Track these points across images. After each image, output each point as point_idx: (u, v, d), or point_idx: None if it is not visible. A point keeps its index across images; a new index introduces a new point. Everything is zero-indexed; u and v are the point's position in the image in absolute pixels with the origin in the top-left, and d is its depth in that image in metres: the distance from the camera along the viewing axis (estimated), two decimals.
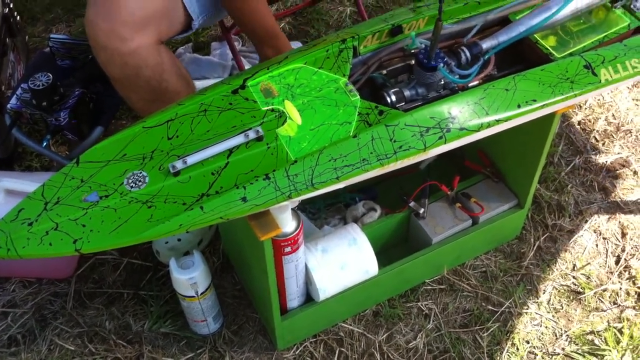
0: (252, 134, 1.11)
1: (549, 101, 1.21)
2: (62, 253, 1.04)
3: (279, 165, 1.10)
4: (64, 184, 1.09)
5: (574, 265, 1.63)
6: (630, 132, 1.91)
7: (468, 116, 1.18)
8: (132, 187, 1.08)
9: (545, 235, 1.68)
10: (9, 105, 1.58)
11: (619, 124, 1.93)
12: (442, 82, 1.25)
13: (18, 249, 1.03)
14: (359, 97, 1.17)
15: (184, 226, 1.05)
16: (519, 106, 1.20)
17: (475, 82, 1.27)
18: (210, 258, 1.64)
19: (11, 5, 1.94)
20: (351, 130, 1.14)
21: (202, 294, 1.39)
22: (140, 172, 1.09)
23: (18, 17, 2.00)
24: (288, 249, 1.25)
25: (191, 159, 1.08)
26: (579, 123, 1.94)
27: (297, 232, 1.24)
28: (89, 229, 1.04)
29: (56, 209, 1.06)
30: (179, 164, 1.08)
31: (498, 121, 1.19)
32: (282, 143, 1.12)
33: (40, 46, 2.15)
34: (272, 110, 1.15)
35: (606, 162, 1.84)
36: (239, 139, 1.11)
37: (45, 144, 1.60)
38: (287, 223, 1.22)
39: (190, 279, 1.36)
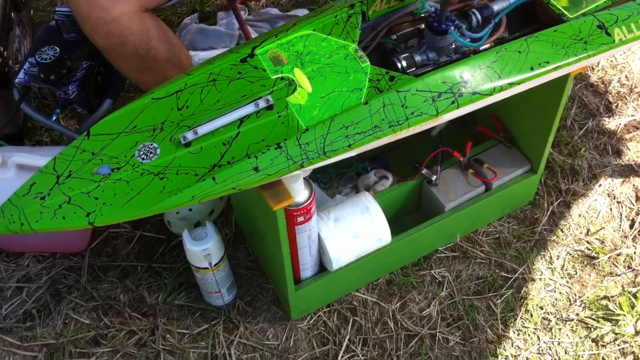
0: (262, 103, 1.10)
1: (563, 62, 1.19)
2: (76, 226, 1.04)
3: (291, 134, 1.09)
4: (76, 157, 1.08)
5: (588, 230, 1.62)
6: None
7: (480, 80, 1.16)
8: (143, 159, 1.07)
9: (559, 200, 1.67)
10: (17, 80, 1.57)
11: (632, 85, 1.90)
12: (454, 46, 1.23)
13: (32, 223, 1.03)
14: (369, 63, 1.15)
15: (197, 197, 1.05)
16: (532, 68, 1.18)
17: (487, 45, 1.25)
18: (223, 229, 1.64)
19: None
20: (362, 97, 1.13)
21: (215, 265, 1.39)
22: (151, 144, 1.09)
23: None
24: (301, 219, 1.25)
25: (202, 130, 1.08)
26: (592, 85, 1.91)
27: (309, 201, 1.23)
28: (102, 201, 1.04)
29: (68, 182, 1.06)
30: (189, 135, 1.07)
31: (511, 84, 1.17)
32: (292, 111, 1.11)
33: (45, 20, 2.14)
34: (282, 78, 1.14)
35: (620, 124, 1.82)
36: (249, 108, 1.10)
37: (54, 117, 1.59)
38: (300, 192, 1.22)
39: (203, 250, 1.36)
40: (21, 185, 1.06)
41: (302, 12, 2.14)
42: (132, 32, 1.36)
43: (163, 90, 1.14)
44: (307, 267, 1.40)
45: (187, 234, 1.37)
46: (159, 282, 1.57)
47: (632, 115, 1.83)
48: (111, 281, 1.58)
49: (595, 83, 1.92)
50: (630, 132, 1.80)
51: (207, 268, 1.39)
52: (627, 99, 1.87)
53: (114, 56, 1.41)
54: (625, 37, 1.25)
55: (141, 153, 1.08)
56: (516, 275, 1.54)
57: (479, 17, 1.25)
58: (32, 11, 2.10)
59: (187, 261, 1.43)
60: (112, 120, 1.12)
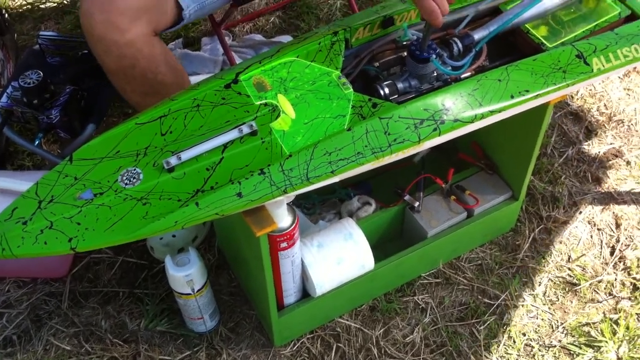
0: (246, 129, 1.10)
1: (542, 91, 1.21)
2: (58, 252, 1.04)
3: (274, 160, 1.09)
4: (58, 182, 1.08)
5: (569, 257, 1.63)
6: (622, 122, 1.91)
7: (462, 107, 1.18)
8: (126, 184, 1.07)
9: (540, 227, 1.68)
10: None
11: (610, 114, 1.93)
12: (435, 74, 1.25)
13: (13, 248, 1.02)
14: (352, 90, 1.17)
15: (180, 223, 1.05)
16: (512, 97, 1.20)
17: (468, 74, 1.27)
18: (206, 255, 1.64)
19: None
20: (345, 124, 1.14)
21: (198, 291, 1.39)
22: (135, 169, 1.09)
23: (6, 15, 1.99)
24: (284, 245, 1.25)
25: (185, 155, 1.08)
26: (571, 114, 1.94)
27: (293, 227, 1.23)
28: (84, 227, 1.03)
29: (50, 207, 1.05)
30: (173, 160, 1.07)
31: (492, 112, 1.19)
32: (276, 137, 1.11)
33: (29, 44, 2.14)
34: (266, 104, 1.15)
35: (599, 152, 1.84)
36: (233, 134, 1.10)
37: (37, 142, 1.59)
38: (283, 218, 1.22)
39: (186, 276, 1.35)
40: (3, 210, 1.06)
41: (285, 38, 2.16)
42: (144, 55, 1.36)
43: (147, 115, 1.14)
44: (291, 293, 1.39)
45: (169, 259, 1.36)
46: (140, 308, 1.55)
47: (611, 143, 1.86)
48: (92, 307, 1.57)
49: (574, 111, 1.94)
50: (610, 160, 1.82)
51: (189, 294, 1.39)
52: (606, 127, 1.90)
53: (121, 79, 1.42)
54: (603, 66, 1.27)
55: (124, 178, 1.08)
56: (499, 301, 1.55)
57: (460, 45, 1.26)
58: (15, 35, 2.10)
59: (169, 287, 1.42)
60: (95, 145, 1.12)
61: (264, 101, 1.15)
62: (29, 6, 2.31)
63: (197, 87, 1.17)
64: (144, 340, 1.50)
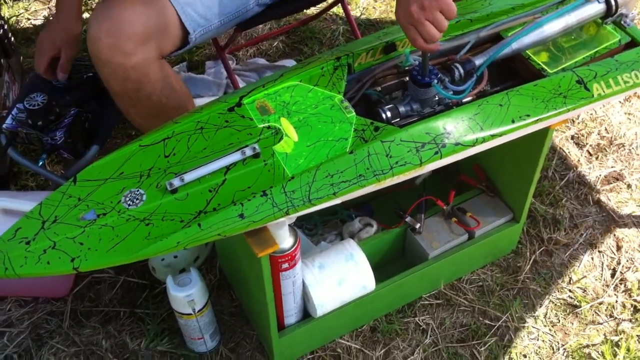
0: (248, 151, 1.12)
1: (543, 116, 1.23)
2: (60, 271, 1.04)
3: (276, 182, 1.10)
4: (62, 203, 1.09)
5: (570, 279, 1.64)
6: (623, 145, 1.92)
7: (463, 131, 1.19)
8: (129, 205, 1.08)
9: (541, 249, 1.69)
10: (4, 125, 1.58)
11: (611, 137, 1.94)
12: (437, 98, 1.26)
13: (16, 268, 1.03)
14: (354, 113, 1.18)
15: (182, 244, 1.05)
16: (513, 121, 1.21)
17: (469, 98, 1.28)
18: (207, 275, 1.64)
19: (5, 27, 1.95)
20: (347, 147, 1.15)
21: (199, 311, 1.39)
22: (138, 190, 1.10)
23: (12, 38, 2.01)
24: (285, 265, 1.26)
25: (188, 177, 1.09)
26: (573, 137, 1.95)
27: (294, 248, 1.24)
28: (87, 247, 1.04)
29: (54, 227, 1.06)
30: (176, 182, 1.08)
31: (493, 136, 1.20)
32: (278, 160, 1.12)
33: (34, 70, 2.15)
34: (269, 127, 1.16)
35: (600, 175, 1.85)
36: (235, 156, 1.11)
37: (41, 163, 1.59)
38: (285, 239, 1.23)
39: (187, 296, 1.36)
40: (6, 230, 1.07)
41: (289, 62, 2.18)
42: (149, 79, 1.38)
43: (151, 137, 1.15)
44: (291, 314, 1.40)
45: (170, 279, 1.37)
46: (141, 327, 1.56)
47: (612, 167, 1.87)
48: (93, 326, 1.57)
49: (575, 135, 1.96)
50: (611, 183, 1.83)
51: (190, 314, 1.39)
52: (607, 151, 1.91)
53: (126, 101, 1.43)
54: (603, 92, 1.28)
55: (127, 199, 1.09)
56: (499, 323, 1.55)
57: (462, 70, 1.28)
58: (21, 57, 2.12)
59: (170, 307, 1.42)
60: (99, 166, 1.13)
61: (267, 124, 1.16)
62: (35, 29, 2.33)
63: (201, 110, 1.18)
64: None
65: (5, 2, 2.38)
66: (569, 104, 1.25)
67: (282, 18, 2.26)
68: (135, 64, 1.35)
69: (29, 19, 2.38)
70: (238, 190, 1.10)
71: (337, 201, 1.15)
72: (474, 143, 1.19)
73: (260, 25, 2.31)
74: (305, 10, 2.32)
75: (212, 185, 1.10)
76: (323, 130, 1.16)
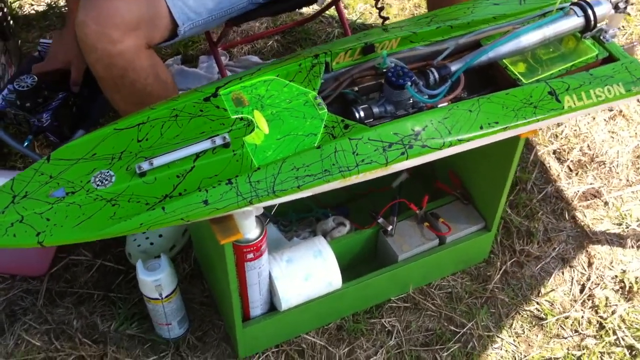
0: (219, 140, 1.14)
1: (512, 124, 1.24)
2: (25, 245, 1.06)
3: (243, 172, 1.12)
4: (33, 179, 1.11)
5: (539, 291, 1.65)
6: (604, 163, 1.94)
7: (431, 134, 1.21)
8: (98, 185, 1.10)
9: (513, 260, 1.70)
10: None
11: (593, 154, 1.96)
12: (411, 101, 1.27)
13: None
14: (326, 110, 1.20)
15: (145, 225, 1.07)
16: (481, 127, 1.23)
17: (445, 104, 1.30)
18: (182, 264, 1.66)
19: (5, 10, 1.98)
20: (316, 142, 1.17)
21: (166, 297, 1.41)
22: (108, 172, 1.12)
23: (12, 22, 2.04)
24: (250, 255, 1.28)
25: (157, 161, 1.11)
26: (554, 152, 1.96)
27: (260, 239, 1.26)
28: (53, 223, 1.06)
29: (23, 202, 1.08)
30: (145, 165, 1.10)
31: (460, 141, 1.22)
32: (247, 151, 1.15)
33: (34, 51, 2.19)
34: (241, 119, 1.18)
35: (578, 191, 1.86)
36: (205, 144, 1.14)
37: (26, 144, 1.62)
38: (251, 230, 1.25)
39: (155, 281, 1.38)
40: None
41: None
42: (134, 67, 1.41)
43: (126, 121, 1.18)
44: (257, 305, 1.42)
45: (140, 263, 1.39)
46: (113, 311, 1.58)
47: (591, 184, 1.88)
48: (67, 306, 1.59)
49: (557, 150, 1.97)
50: (588, 200, 1.85)
51: (157, 299, 1.41)
52: (587, 168, 1.93)
53: (111, 87, 1.46)
54: (574, 104, 1.30)
55: (97, 179, 1.11)
56: (464, 330, 1.56)
57: (437, 75, 1.29)
58: (19, 42, 2.15)
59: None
60: (73, 146, 1.15)
61: (240, 115, 1.18)
62: (37, 15, 2.37)
63: (177, 99, 1.20)
64: (113, 342, 1.53)
65: None
66: (538, 114, 1.26)
67: (273, 16, 2.29)
68: (121, 51, 1.37)
69: (31, 5, 2.41)
70: (205, 178, 1.12)
71: (302, 194, 1.16)
72: (441, 146, 1.21)
73: (257, 24, 2.34)
74: (301, 11, 2.36)
75: (181, 171, 1.12)
76: (294, 124, 1.19)
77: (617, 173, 1.91)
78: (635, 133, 2.03)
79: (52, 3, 2.40)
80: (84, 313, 1.58)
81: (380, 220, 1.56)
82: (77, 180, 1.11)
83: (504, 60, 1.36)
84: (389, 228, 1.55)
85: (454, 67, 1.31)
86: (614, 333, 1.57)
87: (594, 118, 2.05)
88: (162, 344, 1.53)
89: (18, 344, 1.52)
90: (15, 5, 2.38)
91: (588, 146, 1.98)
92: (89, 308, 1.59)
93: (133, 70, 1.41)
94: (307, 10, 2.35)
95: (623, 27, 2.36)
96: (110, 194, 1.10)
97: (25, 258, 1.64)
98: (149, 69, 1.45)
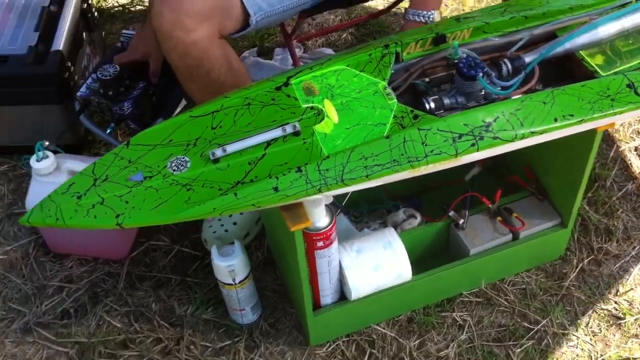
0: (289, 129, 1.16)
1: (587, 117, 1.22)
2: (105, 226, 1.12)
3: (312, 160, 1.15)
4: (113, 164, 1.17)
5: (617, 290, 1.60)
6: None
7: (502, 126, 1.19)
8: (174, 170, 1.15)
9: (590, 258, 1.66)
10: (78, 93, 1.70)
11: None
12: (483, 93, 1.26)
13: (66, 219, 1.11)
14: (395, 100, 1.21)
15: (217, 210, 1.11)
16: (555, 120, 1.21)
17: (518, 96, 1.28)
18: (255, 253, 1.70)
19: (90, 2, 2.07)
20: (385, 131, 1.18)
21: (240, 282, 1.45)
22: (184, 157, 1.16)
23: (96, 14, 2.13)
24: (320, 244, 1.30)
25: (230, 148, 1.15)
26: (636, 149, 1.90)
27: (329, 227, 1.28)
28: (132, 205, 1.12)
29: (104, 185, 1.14)
30: (219, 152, 1.14)
31: (533, 133, 1.20)
32: (317, 139, 1.17)
33: (117, 42, 2.28)
34: (312, 108, 1.20)
35: None
36: (276, 132, 1.16)
37: (109, 131, 1.70)
38: (321, 218, 1.27)
39: (229, 266, 1.42)
40: (61, 184, 1.15)
41: (328, 51, 2.21)
42: (209, 56, 1.45)
43: (201, 109, 1.22)
44: (327, 294, 1.44)
45: (215, 249, 1.43)
46: (189, 295, 1.63)
47: None
48: (146, 290, 1.66)
49: (639, 147, 1.90)
50: None
51: (231, 284, 1.45)
52: None
53: (186, 76, 1.51)
54: None
55: (173, 165, 1.16)
56: (539, 327, 1.54)
57: (510, 66, 1.28)
58: (104, 33, 2.25)
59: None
60: (151, 132, 1.21)
61: (310, 105, 1.20)
62: (120, 8, 2.47)
63: (250, 87, 1.24)
64: (189, 326, 1.58)
65: None
66: (616, 107, 1.23)
67: (346, 7, 2.29)
68: (195, 40, 1.42)
69: None
70: (276, 165, 1.15)
71: (370, 184, 1.18)
72: (513, 138, 1.20)
73: (331, 16, 2.36)
74: (375, 4, 2.36)
75: (252, 158, 1.15)
76: (364, 114, 1.20)
77: None
78: None
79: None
80: (162, 297, 1.64)
81: (452, 213, 1.55)
82: (154, 165, 1.16)
83: (580, 52, 1.34)
84: (461, 221, 1.54)
85: (528, 59, 1.29)
86: None
87: None
88: (236, 329, 1.57)
89: (100, 325, 1.59)
90: None
91: None
92: (167, 292, 1.65)
93: (207, 60, 1.46)
94: (381, 2, 2.35)
95: None
96: (185, 179, 1.14)
97: (107, 242, 1.70)
98: (223, 59, 1.49)
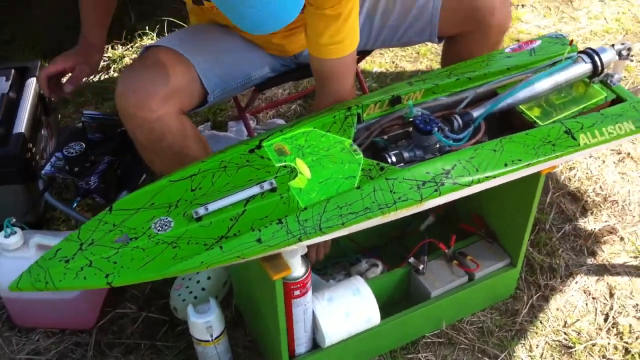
0: (266, 186, 1.25)
1: (533, 161, 1.36)
2: (95, 285, 1.16)
3: (291, 212, 1.23)
4: (98, 228, 1.22)
5: (565, 322, 1.73)
6: (617, 202, 2.04)
7: (460, 172, 1.32)
8: (158, 230, 1.21)
9: (538, 294, 1.78)
10: (43, 172, 1.73)
11: (606, 194, 2.06)
12: (438, 146, 1.39)
13: (55, 282, 1.15)
14: (362, 155, 1.32)
15: (205, 263, 1.18)
16: (505, 165, 1.34)
17: (468, 147, 1.41)
18: (223, 312, 1.74)
19: None
20: (355, 183, 1.28)
21: (216, 338, 1.50)
22: (167, 218, 1.23)
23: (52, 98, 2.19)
24: (297, 292, 1.37)
25: (212, 206, 1.22)
26: (569, 194, 2.07)
27: (306, 276, 1.36)
28: (120, 265, 1.16)
29: (90, 248, 1.19)
30: (201, 210, 1.21)
31: (487, 178, 1.33)
32: (293, 194, 1.26)
33: (70, 124, 2.34)
34: (285, 166, 1.30)
35: (595, 229, 1.96)
36: (255, 190, 1.25)
37: (75, 204, 1.73)
38: (297, 268, 1.34)
39: (206, 322, 1.47)
40: (47, 251, 1.19)
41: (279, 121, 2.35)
42: (172, 130, 1.52)
43: (179, 174, 1.29)
44: (302, 343, 1.50)
45: (191, 308, 1.48)
46: (160, 358, 1.66)
47: (606, 221, 1.98)
48: (116, 356, 1.67)
49: (572, 192, 2.08)
50: (605, 236, 1.94)
51: (208, 341, 1.50)
52: (601, 207, 2.03)
53: (151, 151, 1.57)
54: (589, 141, 1.41)
55: (157, 225, 1.22)
56: None
57: (460, 121, 1.42)
58: (59, 116, 2.30)
59: (188, 340, 1.53)
60: (133, 198, 1.27)
61: (283, 163, 1.30)
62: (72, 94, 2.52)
63: (225, 151, 1.33)
64: None
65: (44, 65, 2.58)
66: (557, 151, 1.38)
67: (295, 81, 2.44)
68: (159, 117, 1.49)
69: None
70: (256, 219, 1.22)
71: (345, 232, 1.27)
72: (470, 183, 1.32)
73: (279, 90, 2.50)
74: None
75: (233, 214, 1.23)
76: (334, 169, 1.30)
77: (630, 210, 2.01)
78: None
79: (88, 80, 2.56)
80: None
81: (412, 260, 1.65)
82: (138, 227, 1.22)
83: (520, 106, 1.49)
84: (421, 267, 1.64)
85: (476, 113, 1.44)
86: None
87: (604, 161, 2.17)
88: None
89: None
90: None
91: (600, 187, 2.09)
92: (137, 357, 1.67)
93: (170, 134, 1.53)
94: None
95: (625, 77, 2.50)
96: (170, 237, 1.20)
97: (73, 312, 1.71)
98: (184, 132, 1.57)
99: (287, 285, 1.35)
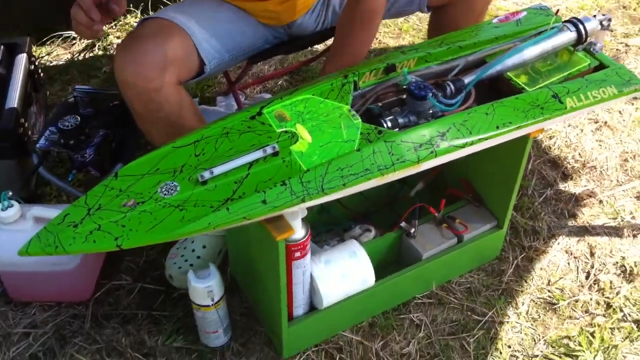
0: (269, 150, 1.29)
1: (523, 123, 1.42)
2: (105, 248, 1.19)
3: (294, 174, 1.27)
4: (105, 194, 1.24)
5: (549, 281, 1.81)
6: (595, 167, 2.13)
7: (455, 135, 1.37)
8: (165, 194, 1.23)
9: (522, 255, 1.86)
10: (37, 145, 1.74)
11: (584, 161, 2.15)
12: (431, 112, 1.44)
13: (65, 246, 1.17)
14: (360, 120, 1.36)
15: (212, 224, 1.21)
16: (497, 127, 1.40)
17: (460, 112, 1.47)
18: None
19: (37, 63, 2.14)
20: (355, 146, 1.32)
21: (217, 302, 1.54)
22: (172, 183, 1.25)
23: (42, 74, 2.20)
24: (298, 254, 1.41)
25: (217, 170, 1.25)
26: (550, 161, 2.15)
27: (306, 238, 1.40)
28: (128, 228, 1.19)
29: (98, 213, 1.21)
30: (206, 174, 1.24)
31: (480, 140, 1.38)
32: (295, 157, 1.29)
33: (57, 102, 2.34)
34: (286, 132, 1.33)
35: (575, 193, 2.04)
36: (258, 154, 1.28)
37: (71, 178, 1.75)
38: (298, 230, 1.39)
39: (207, 287, 1.50)
40: (55, 216, 1.21)
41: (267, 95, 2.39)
42: (169, 100, 1.55)
43: (183, 140, 1.32)
44: (300, 305, 1.54)
45: (192, 273, 1.51)
46: (158, 327, 1.68)
47: (585, 186, 2.07)
48: (113, 327, 1.69)
49: (552, 159, 2.16)
50: (584, 200, 2.03)
51: (209, 305, 1.53)
52: (580, 172, 2.11)
53: (148, 121, 1.60)
54: (575, 104, 1.48)
55: (163, 190, 1.24)
56: (486, 318, 1.71)
57: (452, 87, 1.47)
58: (47, 93, 2.30)
59: (185, 308, 1.58)
60: (137, 164, 1.29)
61: (284, 129, 1.34)
62: (59, 70, 2.54)
63: (226, 119, 1.36)
64: (162, 355, 1.63)
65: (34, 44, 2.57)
66: (545, 114, 1.44)
67: (287, 54, 2.47)
68: (157, 87, 1.51)
69: (51, 62, 2.57)
70: (260, 182, 1.26)
71: (346, 192, 1.31)
72: (464, 145, 1.37)
73: (266, 67, 2.53)
74: (306, 52, 2.54)
75: (238, 178, 1.26)
76: (333, 133, 1.34)
77: (608, 175, 2.10)
78: (621, 140, 2.24)
79: (73, 58, 2.55)
80: (131, 331, 1.68)
81: (403, 224, 1.71)
82: (145, 191, 1.24)
83: (508, 73, 1.55)
84: (412, 230, 1.69)
85: (467, 80, 1.49)
86: (621, 310, 1.74)
87: (582, 130, 2.25)
88: (208, 352, 1.63)
89: None
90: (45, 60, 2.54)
91: (579, 154, 2.17)
92: (135, 326, 1.69)
93: (168, 104, 1.56)
94: (317, 48, 2.53)
95: None
96: (177, 201, 1.23)
97: (69, 285, 1.73)
98: (181, 103, 1.60)
99: (289, 246, 1.39)
